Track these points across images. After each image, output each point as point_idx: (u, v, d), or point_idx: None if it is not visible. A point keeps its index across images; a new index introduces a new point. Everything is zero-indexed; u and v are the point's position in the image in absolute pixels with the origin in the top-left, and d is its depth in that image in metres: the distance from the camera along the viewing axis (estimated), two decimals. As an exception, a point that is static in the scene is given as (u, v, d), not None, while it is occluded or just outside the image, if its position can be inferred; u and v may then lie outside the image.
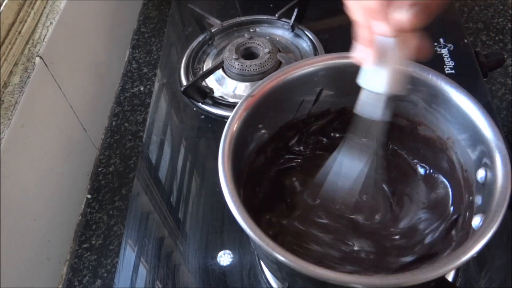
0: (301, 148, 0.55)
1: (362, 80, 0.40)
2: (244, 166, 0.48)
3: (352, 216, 0.50)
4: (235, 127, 0.44)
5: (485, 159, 0.41)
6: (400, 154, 0.53)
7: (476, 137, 0.42)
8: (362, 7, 0.34)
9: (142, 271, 0.54)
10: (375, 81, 0.39)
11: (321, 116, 0.53)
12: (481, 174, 0.41)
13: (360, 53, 0.38)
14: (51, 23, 0.65)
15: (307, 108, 0.51)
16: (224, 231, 0.56)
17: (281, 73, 0.48)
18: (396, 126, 0.50)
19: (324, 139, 0.55)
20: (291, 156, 0.55)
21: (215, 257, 0.54)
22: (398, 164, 0.53)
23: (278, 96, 0.48)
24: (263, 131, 0.50)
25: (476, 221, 0.39)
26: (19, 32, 0.61)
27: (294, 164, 0.55)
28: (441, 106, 0.45)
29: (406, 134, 0.51)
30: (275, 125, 0.51)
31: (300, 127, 0.53)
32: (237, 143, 0.44)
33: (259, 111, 0.47)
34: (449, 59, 0.70)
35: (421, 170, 0.52)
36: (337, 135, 0.55)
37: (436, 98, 0.45)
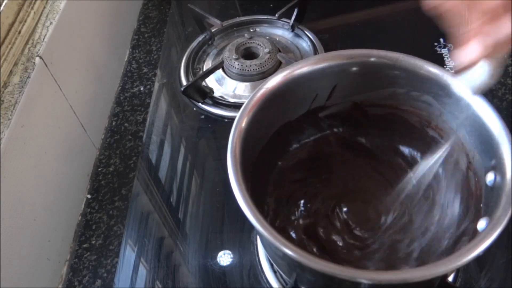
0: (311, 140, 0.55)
1: (467, 82, 0.40)
2: (252, 159, 0.48)
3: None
4: (245, 120, 0.44)
5: (495, 163, 0.40)
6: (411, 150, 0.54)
7: (487, 140, 0.41)
8: (483, 8, 0.33)
9: (142, 271, 0.54)
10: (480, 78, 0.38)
11: (334, 112, 0.53)
12: (490, 177, 0.41)
13: (469, 54, 0.35)
14: (51, 23, 0.65)
15: (321, 103, 0.51)
16: (224, 231, 0.56)
17: (295, 67, 0.48)
18: (408, 124, 0.51)
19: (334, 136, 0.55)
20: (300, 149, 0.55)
21: (215, 257, 0.54)
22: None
23: (291, 88, 0.48)
24: (274, 123, 0.50)
25: (482, 224, 0.39)
26: (19, 32, 0.60)
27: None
28: (453, 106, 0.45)
29: (419, 133, 0.51)
30: (286, 118, 0.51)
31: (310, 122, 0.53)
32: (247, 136, 0.44)
33: (272, 103, 0.47)
34: (449, 59, 0.70)
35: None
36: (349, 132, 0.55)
37: (448, 98, 0.45)
